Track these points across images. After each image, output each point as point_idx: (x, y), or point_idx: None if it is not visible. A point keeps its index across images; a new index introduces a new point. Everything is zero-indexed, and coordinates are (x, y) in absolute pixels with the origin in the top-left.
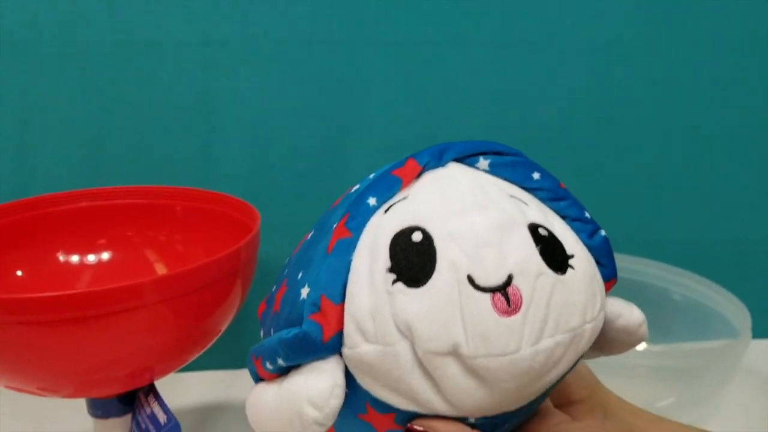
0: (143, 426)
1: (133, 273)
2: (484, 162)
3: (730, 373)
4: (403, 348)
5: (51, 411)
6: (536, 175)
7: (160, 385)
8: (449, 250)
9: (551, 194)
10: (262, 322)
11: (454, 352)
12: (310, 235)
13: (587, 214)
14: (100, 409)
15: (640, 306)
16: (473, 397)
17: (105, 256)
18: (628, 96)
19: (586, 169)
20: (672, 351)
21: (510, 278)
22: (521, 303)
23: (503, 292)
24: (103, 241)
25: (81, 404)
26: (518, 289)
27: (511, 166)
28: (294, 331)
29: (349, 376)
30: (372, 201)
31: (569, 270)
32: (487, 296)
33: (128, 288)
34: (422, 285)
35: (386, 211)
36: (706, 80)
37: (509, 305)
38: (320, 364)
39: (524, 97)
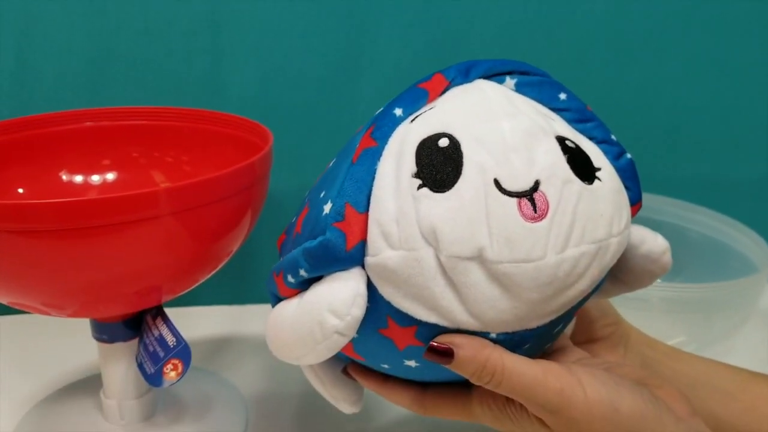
0: (151, 349)
1: None
2: (510, 81)
3: (747, 310)
4: (427, 254)
5: (54, 338)
6: (563, 96)
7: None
8: (476, 154)
9: (577, 115)
10: (282, 252)
11: (479, 257)
12: (332, 163)
13: (613, 137)
14: (105, 332)
15: None
16: (495, 308)
17: (110, 176)
18: (646, 27)
19: (602, 101)
20: (687, 287)
21: (537, 184)
22: (548, 209)
23: (530, 197)
24: (107, 161)
25: (85, 329)
26: (545, 195)
27: (537, 85)
28: (317, 240)
29: (370, 289)
30: (398, 112)
31: (596, 181)
32: (514, 201)
33: (140, 197)
34: (448, 190)
35: (412, 120)
36: (728, 12)
37: (535, 211)
38: (342, 274)
39: (542, 26)
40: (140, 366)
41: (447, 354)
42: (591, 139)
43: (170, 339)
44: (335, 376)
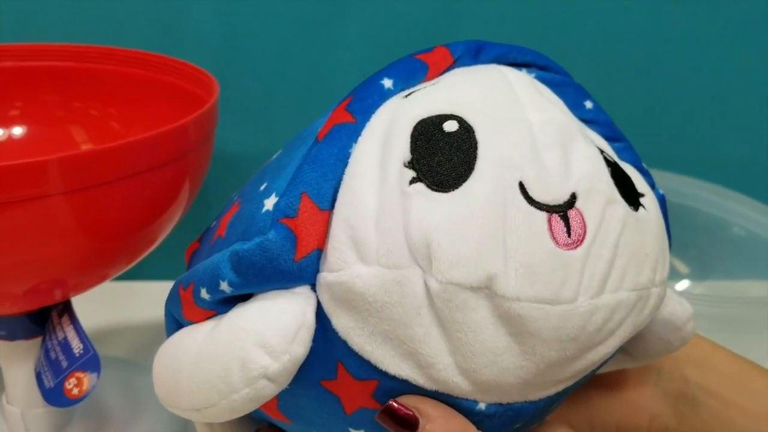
0: (53, 356)
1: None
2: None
3: None
4: (413, 275)
5: None
6: (589, 104)
7: (97, 294)
8: (496, 145)
9: (606, 131)
10: (190, 265)
11: (487, 288)
12: (276, 155)
13: (644, 165)
14: (2, 328)
15: (690, 238)
16: (497, 365)
17: (17, 131)
18: None
19: (633, 69)
20: (718, 294)
21: (574, 197)
22: (585, 234)
23: (563, 214)
24: (15, 111)
25: None
26: (582, 215)
27: (560, 86)
28: (255, 240)
29: (320, 320)
30: (387, 83)
31: (641, 209)
32: (543, 215)
33: (24, 168)
34: (453, 189)
35: (407, 96)
36: None
37: (570, 234)
38: (283, 294)
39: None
40: (38, 377)
41: (409, 424)
42: None
43: (76, 345)
44: None
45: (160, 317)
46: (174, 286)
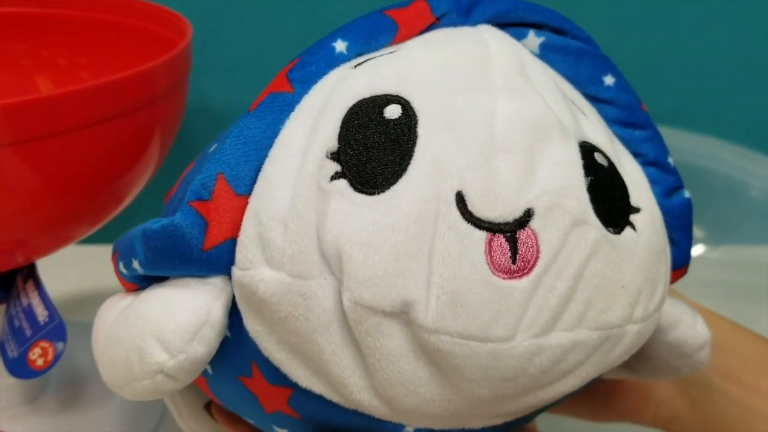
0: (16, 323)
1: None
2: (534, 39)
3: None
4: (322, 288)
5: None
6: (609, 80)
7: (69, 256)
8: (438, 142)
9: (625, 114)
10: (165, 213)
11: (403, 315)
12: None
13: (670, 160)
14: None
15: (707, 201)
16: (418, 396)
17: None
18: None
19: (648, 20)
20: (736, 259)
21: (528, 215)
22: (536, 261)
23: (510, 235)
24: None
25: None
26: (536, 237)
27: (575, 56)
28: (163, 221)
29: (236, 313)
30: (340, 46)
31: (628, 230)
32: (482, 236)
33: None
34: (379, 191)
35: (357, 66)
36: None
37: (514, 260)
38: (194, 284)
39: None
40: (1, 347)
41: None
42: (637, 156)
43: (41, 312)
44: (196, 408)
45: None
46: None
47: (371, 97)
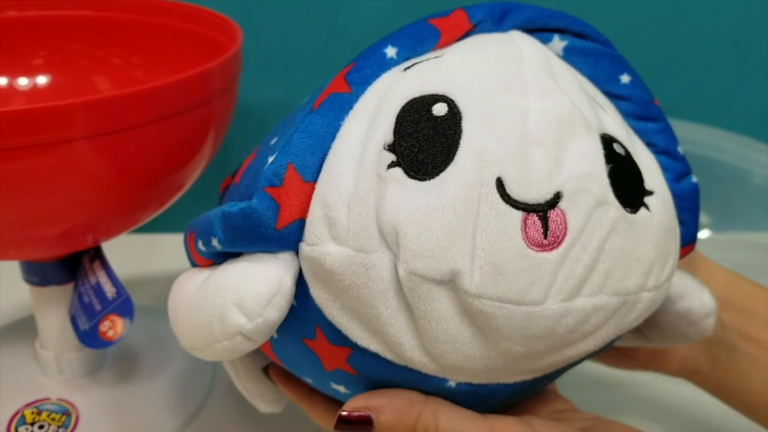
0: (86, 300)
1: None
2: (559, 42)
3: None
4: (381, 260)
5: None
6: (625, 78)
7: (125, 246)
8: (481, 136)
9: (639, 109)
10: (223, 201)
11: (451, 283)
12: (301, 104)
13: (680, 149)
14: (35, 274)
15: (712, 188)
16: (461, 353)
17: (41, 80)
18: None
19: (653, 13)
20: (740, 243)
21: (557, 197)
22: (564, 236)
23: (543, 214)
24: (39, 61)
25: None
26: (564, 216)
27: (594, 57)
28: (240, 205)
29: (302, 284)
30: (390, 52)
31: (642, 210)
32: (518, 215)
33: (50, 111)
34: (429, 178)
35: (407, 69)
36: None
37: (546, 235)
38: (266, 258)
39: None
40: (73, 320)
41: (364, 423)
42: (650, 146)
43: (109, 289)
44: (254, 371)
45: (180, 267)
46: (186, 228)
47: (421, 97)
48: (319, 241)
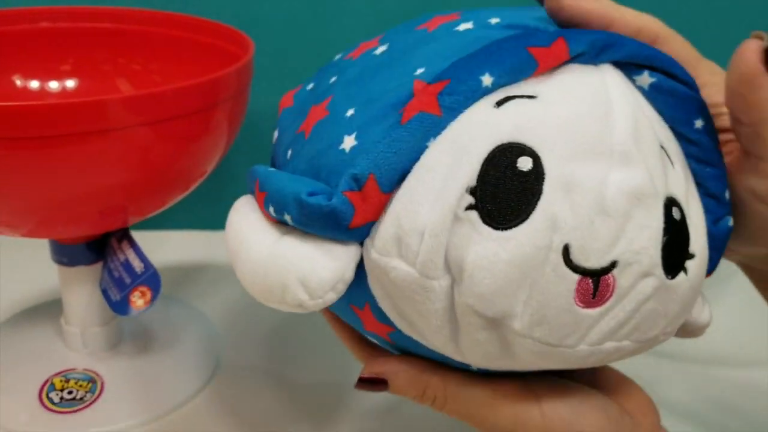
0: (116, 274)
1: None
2: (647, 78)
3: None
4: (441, 286)
5: (11, 259)
6: (699, 124)
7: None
8: (558, 203)
9: (703, 155)
10: (281, 122)
11: (501, 322)
12: (377, 47)
13: (726, 194)
14: (65, 255)
15: None
16: (490, 359)
17: (70, 83)
18: None
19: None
20: None
21: (613, 265)
22: (609, 298)
23: (596, 279)
24: (67, 67)
25: (45, 249)
26: (614, 282)
27: (677, 99)
28: (319, 199)
29: (361, 267)
30: (487, 81)
31: (681, 275)
32: (575, 278)
33: (91, 104)
34: (503, 229)
35: (499, 104)
36: None
37: (594, 296)
38: (334, 247)
39: None
40: (104, 292)
41: (380, 383)
42: (700, 186)
43: (137, 264)
44: None
45: (184, 261)
46: (254, 172)
47: (509, 145)
48: (388, 254)
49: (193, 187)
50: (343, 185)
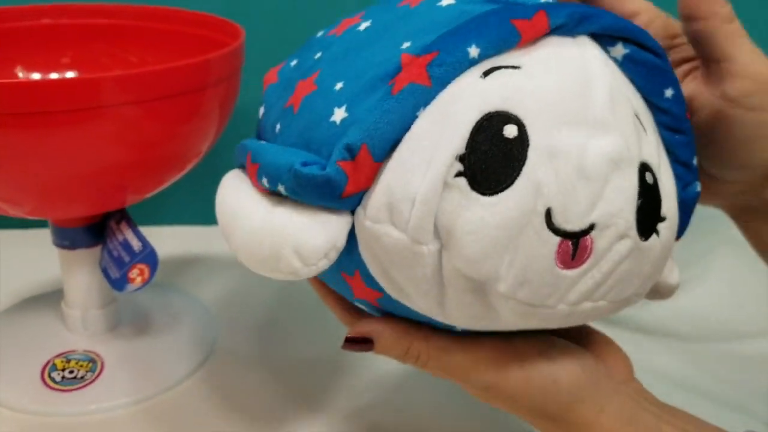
0: (116, 254)
1: None
2: (620, 49)
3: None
4: (430, 251)
5: (14, 251)
6: (669, 93)
7: None
8: (542, 169)
9: (673, 122)
10: (267, 98)
11: (486, 284)
12: (360, 23)
13: (695, 161)
14: (66, 238)
15: None
16: (474, 319)
17: (70, 75)
18: None
19: None
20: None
21: (591, 227)
22: (587, 259)
23: (575, 240)
24: (67, 59)
25: (46, 241)
26: (592, 244)
27: (648, 69)
28: (313, 169)
29: (351, 235)
30: (473, 52)
31: (653, 237)
32: (556, 240)
33: (84, 82)
34: (490, 194)
35: (486, 74)
36: None
37: (573, 258)
38: (326, 215)
39: None
40: (104, 271)
41: (366, 342)
42: (670, 154)
43: (135, 244)
44: None
45: (182, 254)
46: (242, 148)
47: (496, 113)
48: (380, 221)
49: (188, 168)
50: (337, 155)
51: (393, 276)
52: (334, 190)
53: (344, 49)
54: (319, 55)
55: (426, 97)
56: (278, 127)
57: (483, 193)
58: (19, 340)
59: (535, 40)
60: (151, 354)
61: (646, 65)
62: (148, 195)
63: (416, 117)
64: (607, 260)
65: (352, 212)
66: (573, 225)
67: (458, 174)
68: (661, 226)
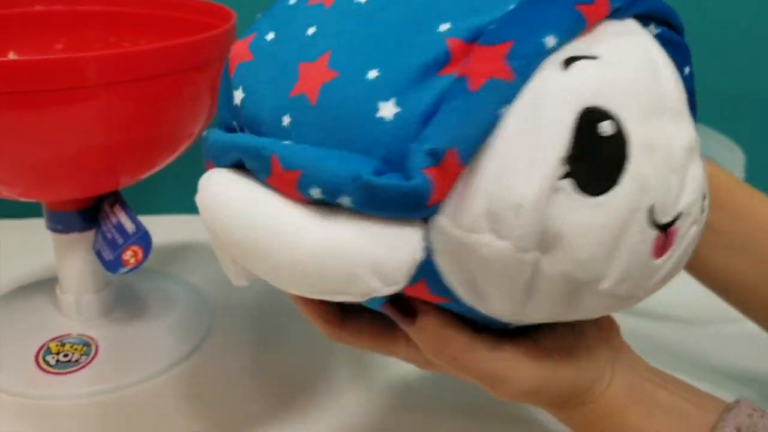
0: (109, 236)
1: None
2: (653, 30)
3: None
4: (531, 258)
5: (8, 240)
6: (687, 70)
7: None
8: (643, 165)
9: (688, 99)
10: (242, 79)
11: (589, 283)
12: None
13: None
14: (60, 222)
15: None
16: (550, 317)
17: None
18: None
19: None
20: None
21: (678, 217)
22: (671, 247)
23: (666, 231)
24: (60, 45)
25: (41, 229)
26: (676, 233)
27: (674, 48)
28: (392, 179)
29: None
30: (551, 41)
31: (702, 214)
32: (655, 234)
33: (69, 61)
34: (596, 195)
35: (566, 64)
36: None
37: (663, 247)
38: (399, 227)
39: None
40: (98, 253)
41: (407, 317)
42: None
43: (129, 226)
44: None
45: (177, 242)
46: (267, 148)
47: (591, 110)
48: (478, 230)
49: (181, 150)
50: (419, 161)
51: (479, 285)
52: (420, 201)
53: (353, 25)
54: (312, 30)
55: (509, 93)
56: (288, 119)
57: (591, 194)
58: (14, 325)
59: (596, 23)
60: (145, 338)
61: (673, 44)
62: (141, 177)
63: (499, 114)
64: (680, 246)
65: (425, 220)
66: (668, 217)
67: (565, 176)
68: (705, 203)
